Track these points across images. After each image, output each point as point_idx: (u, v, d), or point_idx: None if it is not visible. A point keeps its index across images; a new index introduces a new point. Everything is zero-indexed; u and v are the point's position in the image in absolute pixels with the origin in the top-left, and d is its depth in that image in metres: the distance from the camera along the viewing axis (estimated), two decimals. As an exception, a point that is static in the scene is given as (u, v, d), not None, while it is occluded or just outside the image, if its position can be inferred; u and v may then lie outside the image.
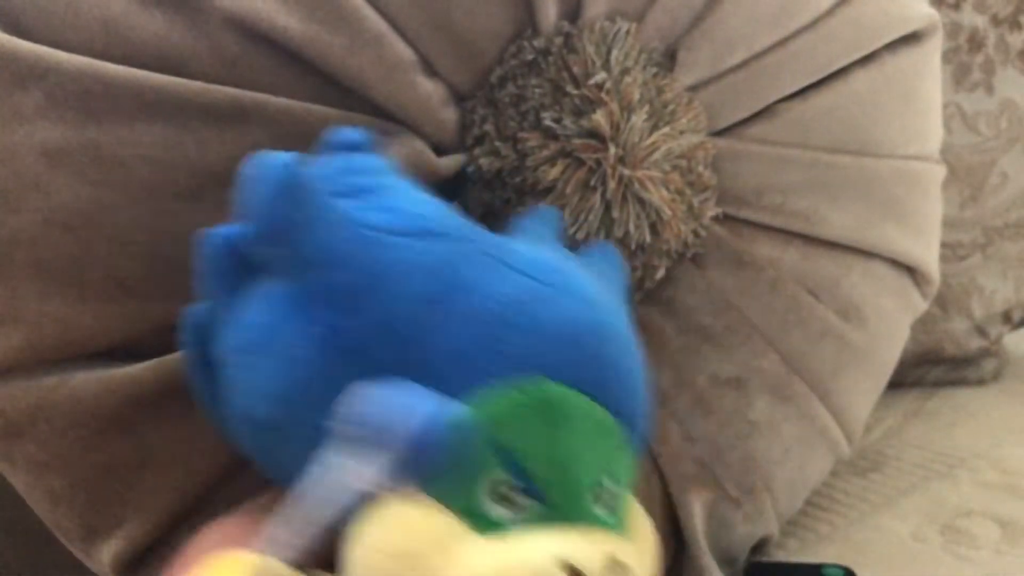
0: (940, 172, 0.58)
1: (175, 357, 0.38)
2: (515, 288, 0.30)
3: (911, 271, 0.57)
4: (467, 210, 0.43)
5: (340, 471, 0.26)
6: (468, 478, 0.26)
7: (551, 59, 0.42)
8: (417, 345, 0.28)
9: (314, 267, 0.29)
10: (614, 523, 0.29)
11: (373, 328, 0.28)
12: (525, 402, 0.28)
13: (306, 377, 0.28)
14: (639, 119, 0.42)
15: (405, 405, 0.26)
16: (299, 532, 0.26)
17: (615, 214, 0.42)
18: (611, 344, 0.31)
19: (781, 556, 0.55)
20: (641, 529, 0.31)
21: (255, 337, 0.30)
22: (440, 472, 0.26)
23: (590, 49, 0.42)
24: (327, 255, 0.28)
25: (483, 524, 0.26)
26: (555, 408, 0.28)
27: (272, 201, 0.28)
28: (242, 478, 0.38)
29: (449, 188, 0.43)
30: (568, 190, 0.42)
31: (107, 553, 0.39)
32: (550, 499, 0.27)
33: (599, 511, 0.28)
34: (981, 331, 0.79)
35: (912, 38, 0.54)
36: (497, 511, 0.27)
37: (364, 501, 0.26)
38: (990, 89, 0.75)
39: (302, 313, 0.29)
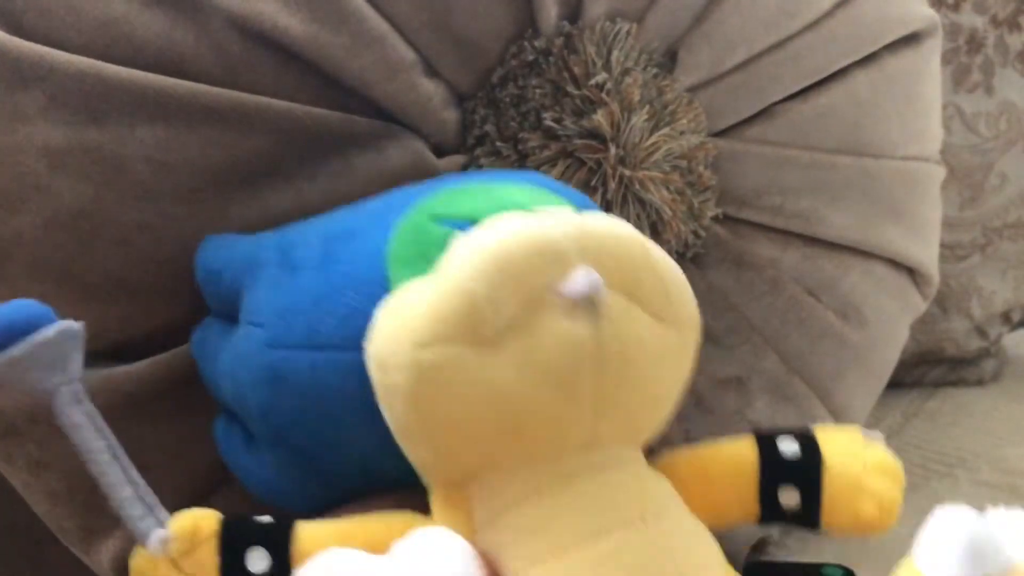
0: (940, 173, 0.58)
1: (174, 354, 0.38)
2: None
3: (911, 271, 0.57)
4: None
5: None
6: (433, 246, 0.29)
7: (552, 59, 0.42)
8: None
9: None
10: None
11: None
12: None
13: None
14: (639, 120, 0.42)
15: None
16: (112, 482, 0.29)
17: (616, 214, 0.42)
18: None
19: (781, 556, 0.55)
20: None
21: None
22: (411, 259, 0.30)
23: (591, 50, 0.42)
24: None
25: None
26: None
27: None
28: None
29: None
30: (569, 191, 0.42)
31: (106, 553, 0.39)
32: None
33: None
34: (981, 331, 0.79)
35: (912, 39, 0.54)
36: None
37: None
38: (989, 90, 0.75)
39: None
